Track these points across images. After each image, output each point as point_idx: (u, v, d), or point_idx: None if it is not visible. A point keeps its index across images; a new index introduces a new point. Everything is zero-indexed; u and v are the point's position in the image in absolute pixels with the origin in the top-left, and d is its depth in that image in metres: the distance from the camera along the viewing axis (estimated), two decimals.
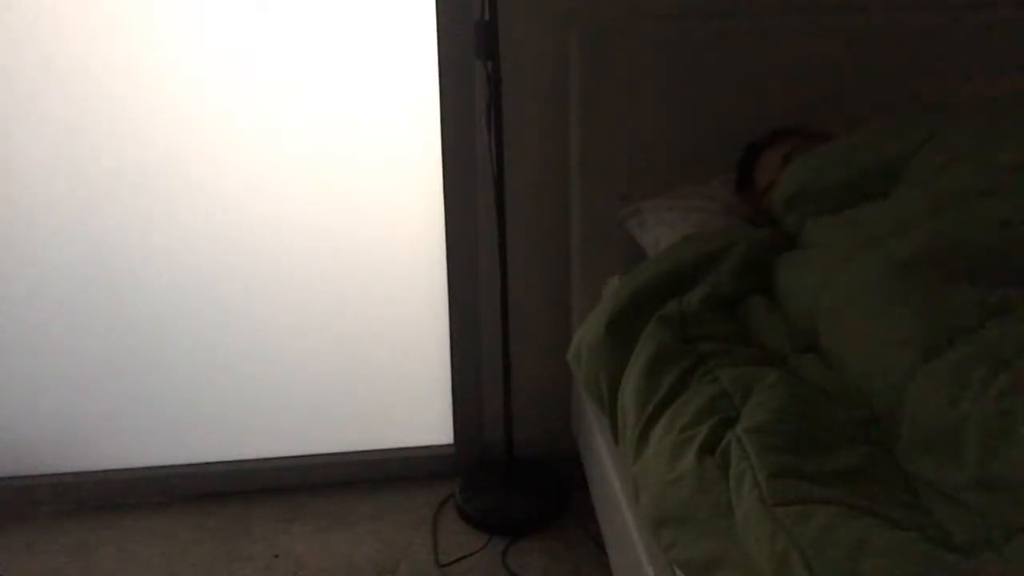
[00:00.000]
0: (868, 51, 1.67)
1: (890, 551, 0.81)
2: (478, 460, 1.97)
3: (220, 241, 1.79)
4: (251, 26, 1.65)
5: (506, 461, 1.88)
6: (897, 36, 1.67)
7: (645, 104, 1.65)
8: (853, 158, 1.37)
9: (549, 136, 1.74)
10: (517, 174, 1.74)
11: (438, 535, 1.78)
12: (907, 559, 0.81)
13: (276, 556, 1.73)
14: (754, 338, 1.24)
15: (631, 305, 1.32)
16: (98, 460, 1.90)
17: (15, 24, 1.60)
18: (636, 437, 1.17)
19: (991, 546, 0.83)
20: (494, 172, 1.63)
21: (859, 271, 1.16)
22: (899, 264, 1.11)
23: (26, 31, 1.60)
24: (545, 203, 1.80)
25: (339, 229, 1.81)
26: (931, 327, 1.02)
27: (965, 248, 1.10)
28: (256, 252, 1.80)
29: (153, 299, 1.81)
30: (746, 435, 1.00)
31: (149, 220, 1.75)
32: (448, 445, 1.99)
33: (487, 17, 1.51)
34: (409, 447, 1.98)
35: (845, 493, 0.91)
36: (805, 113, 1.62)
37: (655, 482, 1.07)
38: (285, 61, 1.68)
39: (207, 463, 1.93)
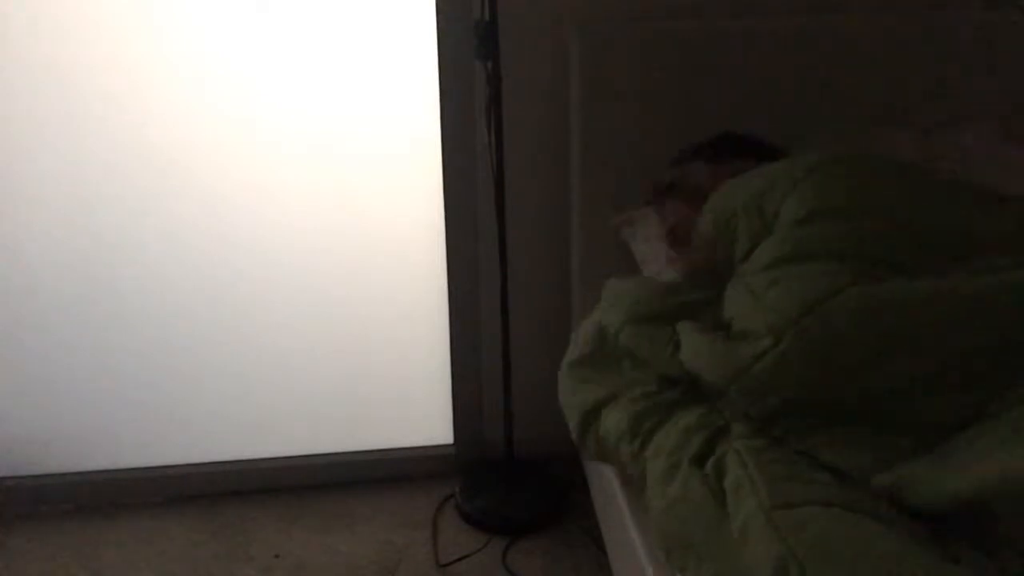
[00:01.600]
0: (867, 52, 1.67)
1: (888, 558, 0.81)
2: (478, 460, 1.97)
3: (220, 241, 1.79)
4: (251, 26, 1.65)
5: (506, 461, 1.88)
6: (896, 37, 1.67)
7: (645, 104, 1.64)
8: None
9: (549, 136, 1.74)
10: (517, 174, 1.73)
11: (438, 535, 1.78)
12: (905, 567, 0.80)
13: (276, 556, 1.73)
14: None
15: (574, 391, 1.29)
16: (98, 460, 1.90)
17: (15, 24, 1.60)
18: (639, 472, 1.14)
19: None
20: (494, 172, 1.63)
21: None
22: None
23: (25, 31, 1.60)
24: (545, 203, 1.80)
25: (339, 229, 1.80)
26: None
27: None
28: (256, 252, 1.80)
29: (153, 299, 1.81)
30: (746, 449, 0.99)
31: (149, 220, 1.75)
32: (448, 445, 1.99)
33: (487, 17, 1.51)
34: (409, 447, 1.98)
35: (846, 494, 0.90)
36: (805, 113, 1.62)
37: (654, 508, 1.06)
38: (285, 61, 1.68)
39: (207, 463, 1.93)
